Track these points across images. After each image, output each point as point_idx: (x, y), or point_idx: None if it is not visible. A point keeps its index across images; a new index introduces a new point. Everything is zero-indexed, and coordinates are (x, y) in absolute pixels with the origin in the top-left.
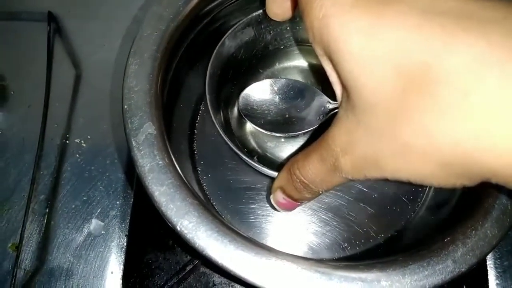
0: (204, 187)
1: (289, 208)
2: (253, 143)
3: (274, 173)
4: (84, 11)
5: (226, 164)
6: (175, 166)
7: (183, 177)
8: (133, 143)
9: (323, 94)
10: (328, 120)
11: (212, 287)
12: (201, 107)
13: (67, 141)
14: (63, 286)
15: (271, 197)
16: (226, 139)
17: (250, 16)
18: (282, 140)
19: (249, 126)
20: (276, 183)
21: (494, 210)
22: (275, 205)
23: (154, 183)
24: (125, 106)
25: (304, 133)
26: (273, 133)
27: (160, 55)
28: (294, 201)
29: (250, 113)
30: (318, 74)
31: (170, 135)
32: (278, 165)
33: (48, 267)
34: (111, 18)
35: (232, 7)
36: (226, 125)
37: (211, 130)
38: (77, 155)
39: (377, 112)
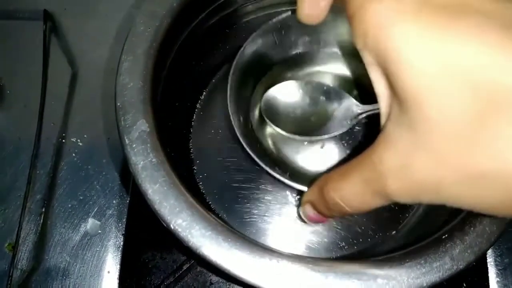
0: (200, 185)
1: (318, 222)
2: (272, 147)
3: (300, 187)
4: (80, 9)
5: (222, 162)
6: (169, 164)
7: (177, 175)
8: (126, 140)
9: (350, 97)
10: (355, 126)
11: (209, 286)
12: (197, 105)
13: (64, 140)
14: (60, 286)
15: (300, 209)
16: (249, 151)
17: (273, 20)
18: (305, 143)
19: (269, 129)
20: (306, 198)
21: None
22: (304, 218)
23: (147, 181)
24: (118, 104)
25: (328, 138)
26: (296, 136)
27: (153, 52)
28: (325, 217)
29: (272, 115)
30: (343, 79)
31: (165, 133)
32: (299, 173)
33: (45, 267)
34: (107, 16)
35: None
36: (246, 132)
37: (207, 129)
38: (74, 154)
39: (445, 134)
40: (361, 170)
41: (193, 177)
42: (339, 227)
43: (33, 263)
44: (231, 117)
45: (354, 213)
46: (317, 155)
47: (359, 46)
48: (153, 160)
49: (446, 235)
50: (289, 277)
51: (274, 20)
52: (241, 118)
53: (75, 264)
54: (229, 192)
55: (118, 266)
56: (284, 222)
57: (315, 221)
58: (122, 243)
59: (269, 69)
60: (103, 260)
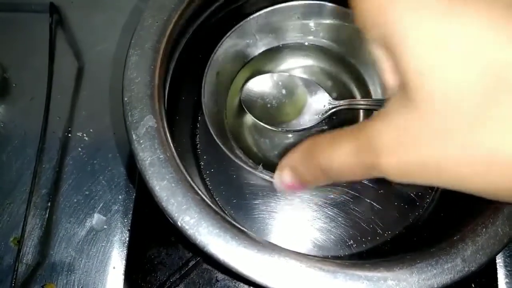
0: (207, 181)
1: (294, 191)
2: (249, 138)
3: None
4: (87, 2)
5: (230, 158)
6: (177, 160)
7: (184, 171)
8: (134, 136)
9: (325, 92)
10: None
11: (215, 283)
12: (205, 99)
13: (69, 135)
14: (65, 281)
15: (275, 175)
16: (224, 149)
17: (250, 18)
18: (280, 134)
19: (248, 120)
20: (286, 162)
21: (506, 207)
22: (277, 185)
23: (154, 177)
24: (126, 99)
25: (302, 130)
26: (272, 127)
27: (161, 46)
28: (303, 185)
29: (251, 105)
30: (321, 73)
31: (173, 128)
32: (274, 164)
33: (50, 262)
34: (114, 9)
35: None
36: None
37: None
38: (79, 149)
39: (453, 113)
40: (354, 140)
41: (200, 173)
42: (347, 225)
43: (39, 258)
44: (204, 110)
45: (337, 182)
46: (290, 146)
47: (360, 24)
48: (161, 156)
49: (458, 236)
50: (297, 277)
51: (242, 23)
52: (223, 109)
53: (80, 259)
54: (237, 188)
55: (124, 262)
56: (291, 218)
57: (291, 189)
58: (127, 238)
59: (246, 64)
60: (108, 256)
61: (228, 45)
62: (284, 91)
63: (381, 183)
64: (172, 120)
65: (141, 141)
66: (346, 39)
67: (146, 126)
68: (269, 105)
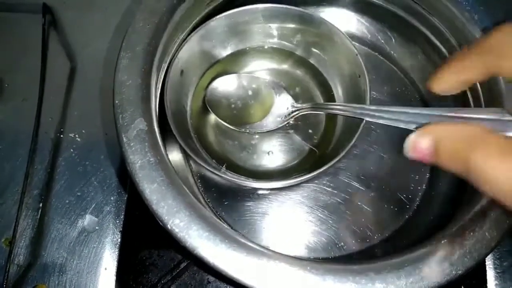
0: (198, 184)
1: (419, 159)
2: (213, 139)
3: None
4: (79, 2)
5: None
6: (167, 163)
7: (175, 174)
8: (124, 139)
9: (288, 95)
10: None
11: (206, 284)
12: (167, 97)
13: (62, 135)
14: (57, 282)
15: (414, 136)
16: (186, 148)
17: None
18: (244, 135)
19: (212, 120)
20: (435, 131)
21: (493, 211)
22: (409, 145)
23: (145, 180)
24: (116, 101)
25: (266, 132)
26: (236, 128)
27: (152, 49)
28: (433, 161)
29: (216, 104)
30: (286, 77)
31: (164, 131)
32: (236, 165)
33: (42, 263)
34: (107, 10)
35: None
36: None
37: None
38: (72, 150)
39: None
40: None
41: (192, 175)
42: (337, 227)
43: (30, 259)
44: (166, 109)
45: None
46: (253, 148)
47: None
48: (151, 159)
49: (446, 240)
50: (286, 279)
51: (208, 22)
52: (187, 109)
53: (72, 260)
54: (228, 190)
55: (115, 263)
56: (283, 220)
57: (419, 157)
58: (119, 240)
59: (213, 65)
60: (100, 257)
61: (193, 44)
62: (249, 92)
63: (371, 186)
64: (164, 123)
65: (132, 144)
66: (311, 44)
67: (137, 129)
68: (233, 106)
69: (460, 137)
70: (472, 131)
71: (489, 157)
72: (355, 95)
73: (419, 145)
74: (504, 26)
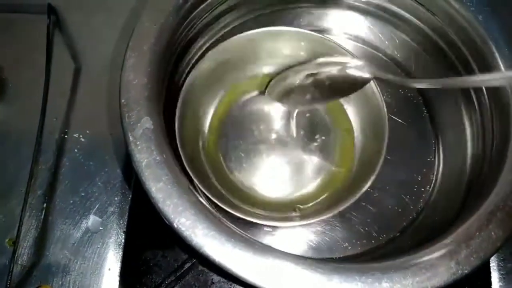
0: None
1: None
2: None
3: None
4: (84, 3)
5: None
6: (173, 162)
7: (181, 173)
8: (130, 138)
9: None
10: None
11: (210, 285)
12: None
13: (66, 136)
14: (60, 282)
15: None
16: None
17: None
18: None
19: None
20: None
21: (499, 211)
22: None
23: (151, 179)
24: (123, 100)
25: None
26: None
27: (159, 48)
28: None
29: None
30: None
31: (172, 130)
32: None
33: (45, 263)
34: (113, 11)
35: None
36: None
37: None
38: (76, 150)
39: None
40: None
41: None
42: (342, 227)
43: (34, 259)
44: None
45: None
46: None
47: None
48: (157, 158)
49: (452, 239)
50: (292, 279)
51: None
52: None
53: (75, 260)
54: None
55: (119, 264)
56: None
57: None
58: (123, 240)
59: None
60: (104, 257)
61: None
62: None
63: (375, 186)
64: (172, 122)
65: (138, 143)
66: None
67: (143, 128)
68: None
69: None
70: None
71: None
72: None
73: None
74: None
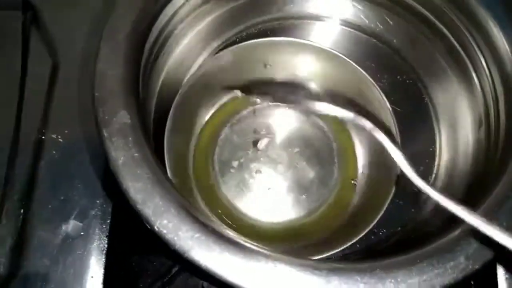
0: None
1: None
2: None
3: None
4: None
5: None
6: (154, 159)
7: (162, 171)
8: (105, 134)
9: None
10: None
11: None
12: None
13: (43, 137)
14: None
15: None
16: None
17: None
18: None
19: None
20: None
21: (506, 202)
22: None
23: (129, 179)
24: (96, 94)
25: None
26: None
27: (137, 35)
28: None
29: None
30: None
31: (152, 126)
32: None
33: (23, 273)
34: (91, 6)
35: None
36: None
37: None
38: (54, 152)
39: None
40: None
41: None
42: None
43: (11, 269)
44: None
45: None
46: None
47: None
48: (135, 155)
49: (460, 232)
50: (288, 282)
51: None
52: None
53: (56, 269)
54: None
55: (102, 270)
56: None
57: None
58: (106, 245)
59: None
60: (86, 264)
61: None
62: None
63: None
64: (148, 116)
65: (113, 139)
66: None
67: (120, 122)
68: None
69: None
70: None
71: None
72: None
73: None
74: None
